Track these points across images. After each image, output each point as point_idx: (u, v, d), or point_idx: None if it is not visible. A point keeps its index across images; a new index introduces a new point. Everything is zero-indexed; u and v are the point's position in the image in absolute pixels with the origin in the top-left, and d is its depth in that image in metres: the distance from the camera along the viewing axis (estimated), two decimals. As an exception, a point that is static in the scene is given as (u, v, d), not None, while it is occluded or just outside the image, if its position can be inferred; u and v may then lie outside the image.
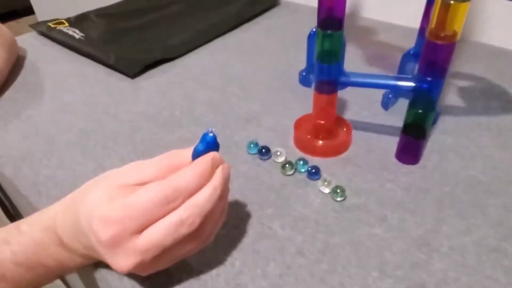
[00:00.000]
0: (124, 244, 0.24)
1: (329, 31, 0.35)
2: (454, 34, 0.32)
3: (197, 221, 0.25)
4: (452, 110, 0.47)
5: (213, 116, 0.48)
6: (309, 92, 0.51)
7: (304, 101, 0.50)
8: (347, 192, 0.36)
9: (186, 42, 0.65)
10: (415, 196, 0.36)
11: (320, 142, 0.42)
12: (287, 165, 0.38)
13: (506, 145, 0.41)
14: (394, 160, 0.40)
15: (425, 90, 0.35)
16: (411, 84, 0.35)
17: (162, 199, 0.24)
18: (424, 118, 0.37)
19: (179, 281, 0.30)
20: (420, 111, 0.36)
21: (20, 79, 0.59)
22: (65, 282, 0.58)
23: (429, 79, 0.34)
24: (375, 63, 0.58)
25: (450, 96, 0.50)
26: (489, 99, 0.49)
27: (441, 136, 0.43)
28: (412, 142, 0.39)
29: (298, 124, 0.43)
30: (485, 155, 0.40)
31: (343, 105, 0.49)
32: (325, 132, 0.42)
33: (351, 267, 0.30)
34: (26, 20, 2.88)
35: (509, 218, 0.33)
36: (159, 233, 0.24)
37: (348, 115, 0.47)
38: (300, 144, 0.42)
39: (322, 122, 0.41)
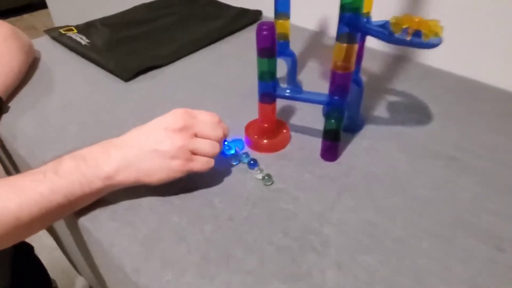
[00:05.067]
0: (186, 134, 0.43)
1: (265, 58, 0.47)
2: (350, 65, 0.44)
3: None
4: (376, 120, 0.59)
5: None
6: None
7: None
8: (275, 179, 0.48)
9: (174, 52, 0.77)
10: (325, 183, 0.48)
11: (265, 141, 0.54)
12: (234, 158, 0.51)
13: (405, 148, 0.53)
14: (319, 157, 0.52)
15: (334, 105, 0.47)
16: (325, 99, 0.47)
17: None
18: (336, 126, 0.48)
19: (141, 232, 0.42)
20: (332, 120, 0.48)
21: (35, 78, 0.72)
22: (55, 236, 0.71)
23: (336, 97, 0.46)
24: (327, 78, 0.70)
25: (379, 109, 0.61)
26: (409, 112, 0.60)
27: (360, 140, 0.55)
28: (330, 144, 0.50)
29: (248, 126, 0.56)
30: (387, 156, 0.52)
31: (292, 111, 0.61)
32: (268, 133, 0.54)
33: (264, 229, 0.42)
34: (40, 13, 3.04)
35: (387, 201, 0.45)
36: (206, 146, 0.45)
37: (294, 120, 0.59)
38: (249, 142, 0.54)
39: (266, 125, 0.53)
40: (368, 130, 0.57)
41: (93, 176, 0.41)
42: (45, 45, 0.83)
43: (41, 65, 0.76)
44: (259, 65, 0.47)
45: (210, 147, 0.45)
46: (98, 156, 0.42)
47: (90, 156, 0.42)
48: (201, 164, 0.44)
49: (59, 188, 0.40)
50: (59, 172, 0.40)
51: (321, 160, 0.51)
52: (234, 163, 0.51)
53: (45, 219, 0.40)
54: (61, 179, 0.40)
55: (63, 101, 0.65)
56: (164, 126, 0.43)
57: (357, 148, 0.53)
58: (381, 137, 0.55)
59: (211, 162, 0.45)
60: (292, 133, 0.56)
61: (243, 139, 0.54)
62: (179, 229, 0.42)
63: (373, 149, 0.53)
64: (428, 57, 0.73)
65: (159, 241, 0.41)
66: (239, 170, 0.50)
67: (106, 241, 0.41)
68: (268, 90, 0.49)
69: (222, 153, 0.50)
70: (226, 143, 0.51)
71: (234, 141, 0.54)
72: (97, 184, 0.41)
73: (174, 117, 0.44)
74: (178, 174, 0.43)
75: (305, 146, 0.54)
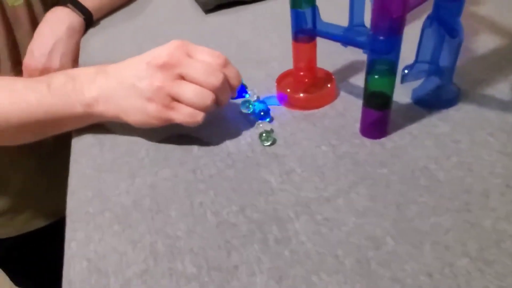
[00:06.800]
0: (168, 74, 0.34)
1: (300, -28, 0.33)
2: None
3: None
4: (480, 99, 0.37)
5: (236, 58, 0.51)
6: (340, 48, 0.48)
7: (329, 55, 0.47)
8: (280, 142, 0.36)
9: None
10: (342, 166, 0.32)
11: (301, 95, 0.40)
12: (246, 103, 0.40)
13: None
14: (356, 131, 0.36)
15: (377, 50, 0.30)
16: (365, 40, 0.31)
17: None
18: (381, 85, 0.32)
19: (102, 157, 0.37)
20: (376, 76, 0.31)
21: None
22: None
23: (380, 38, 0.29)
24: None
25: (489, 82, 0.39)
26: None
27: (437, 122, 0.35)
28: (373, 113, 0.34)
29: (282, 78, 0.42)
30: (471, 155, 0.32)
31: (358, 67, 0.44)
32: (304, 85, 0.40)
33: (220, 196, 0.31)
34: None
35: (423, 223, 0.27)
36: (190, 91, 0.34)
37: (356, 78, 0.43)
38: (280, 96, 0.42)
39: (301, 73, 0.40)
40: (458, 111, 0.36)
41: (75, 100, 0.37)
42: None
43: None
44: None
45: (197, 95, 0.34)
46: (86, 79, 0.37)
47: (80, 77, 0.37)
48: (183, 115, 0.34)
49: (44, 101, 0.37)
50: (50, 86, 0.37)
51: (358, 136, 0.35)
52: (246, 111, 0.40)
53: (35, 129, 0.39)
54: (48, 93, 0.37)
55: (135, 25, 0.64)
56: (148, 59, 0.35)
57: (426, 131, 0.35)
58: (478, 124, 0.35)
59: (197, 116, 0.34)
60: (342, 93, 0.41)
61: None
62: (136, 165, 0.36)
63: (452, 139, 0.34)
64: None
65: (109, 172, 0.35)
66: (245, 119, 0.39)
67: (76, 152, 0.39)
68: (302, 24, 0.36)
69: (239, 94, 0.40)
70: (254, 100, 0.40)
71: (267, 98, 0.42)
72: (78, 109, 0.37)
73: (163, 50, 0.35)
74: (154, 121, 0.35)
75: (348, 112, 0.38)
